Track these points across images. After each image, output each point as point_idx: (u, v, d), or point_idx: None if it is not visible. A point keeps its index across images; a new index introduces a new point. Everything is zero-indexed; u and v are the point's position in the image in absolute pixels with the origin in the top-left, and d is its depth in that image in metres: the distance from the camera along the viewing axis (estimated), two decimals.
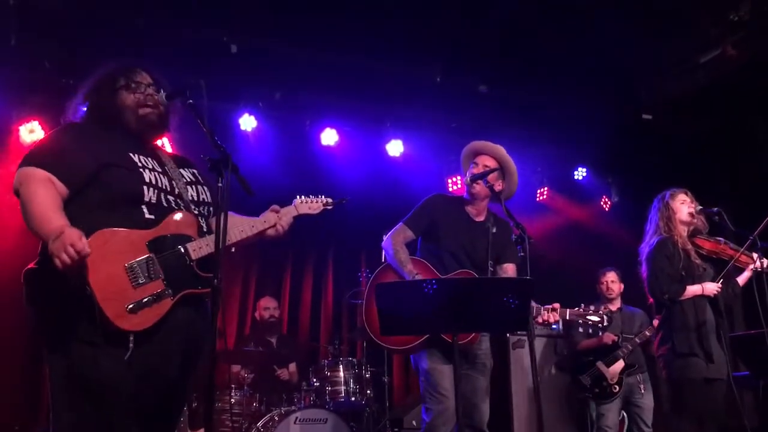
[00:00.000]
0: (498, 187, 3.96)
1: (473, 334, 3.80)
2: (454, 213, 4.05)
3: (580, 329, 3.78)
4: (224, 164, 2.51)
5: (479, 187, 3.98)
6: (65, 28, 5.53)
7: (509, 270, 4.04)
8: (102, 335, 2.35)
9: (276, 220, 2.88)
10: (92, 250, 2.31)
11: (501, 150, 4.09)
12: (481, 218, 4.08)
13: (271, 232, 2.89)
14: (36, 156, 2.52)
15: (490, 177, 3.92)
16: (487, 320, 3.07)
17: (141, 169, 2.61)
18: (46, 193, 2.42)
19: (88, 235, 2.33)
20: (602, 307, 3.83)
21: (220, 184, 2.49)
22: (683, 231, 4.51)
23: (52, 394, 2.40)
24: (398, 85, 6.67)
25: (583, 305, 3.81)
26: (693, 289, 4.37)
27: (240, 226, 2.77)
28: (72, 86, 6.06)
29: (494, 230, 3.95)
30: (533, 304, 3.75)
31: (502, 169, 4.04)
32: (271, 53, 6.18)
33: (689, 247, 4.47)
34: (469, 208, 4.08)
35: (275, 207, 2.92)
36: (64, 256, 2.25)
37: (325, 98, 6.86)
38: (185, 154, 7.11)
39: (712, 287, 4.36)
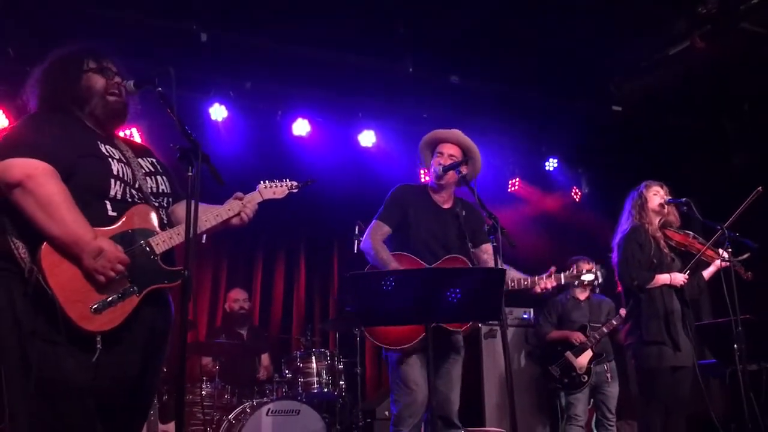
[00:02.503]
0: (464, 171, 3.97)
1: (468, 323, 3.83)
2: (422, 202, 4.05)
3: (576, 291, 3.80)
4: (194, 154, 2.46)
5: (450, 176, 3.98)
6: (30, 15, 5.40)
7: (488, 249, 4.01)
8: (65, 335, 2.26)
9: (240, 207, 2.79)
10: (53, 250, 2.28)
11: (462, 136, 4.10)
12: (449, 205, 4.09)
13: (235, 220, 2.79)
14: (26, 145, 2.37)
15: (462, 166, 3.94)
16: (460, 309, 3.07)
17: (109, 159, 2.54)
18: (65, 194, 2.33)
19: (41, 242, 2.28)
20: (591, 264, 3.86)
21: (190, 174, 2.44)
22: (654, 220, 4.58)
23: (8, 397, 2.27)
24: (370, 76, 6.64)
25: (574, 267, 3.85)
26: (662, 278, 4.43)
27: (204, 216, 2.66)
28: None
29: (464, 214, 3.97)
30: (526, 276, 3.79)
31: (465, 155, 4.06)
32: (242, 42, 6.10)
33: (659, 235, 4.53)
34: (436, 197, 4.09)
35: (239, 194, 2.84)
36: (112, 274, 2.32)
37: (297, 88, 6.81)
38: (153, 143, 7.05)
39: (679, 277, 4.43)
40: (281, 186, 2.98)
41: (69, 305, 2.28)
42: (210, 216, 2.72)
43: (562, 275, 3.81)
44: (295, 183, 3.02)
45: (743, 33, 5.85)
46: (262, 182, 2.95)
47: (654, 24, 6.01)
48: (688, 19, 5.87)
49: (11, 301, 2.29)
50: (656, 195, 4.59)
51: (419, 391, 3.71)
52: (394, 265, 3.78)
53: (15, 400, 2.26)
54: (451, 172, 3.94)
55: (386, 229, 3.95)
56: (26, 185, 2.29)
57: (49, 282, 2.25)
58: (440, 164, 3.98)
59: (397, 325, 3.62)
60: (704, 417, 5.11)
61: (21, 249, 2.30)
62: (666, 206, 4.57)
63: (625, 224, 4.65)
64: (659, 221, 4.59)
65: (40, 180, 2.30)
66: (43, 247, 2.29)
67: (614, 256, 4.61)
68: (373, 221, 3.99)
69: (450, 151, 4.04)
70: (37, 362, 2.24)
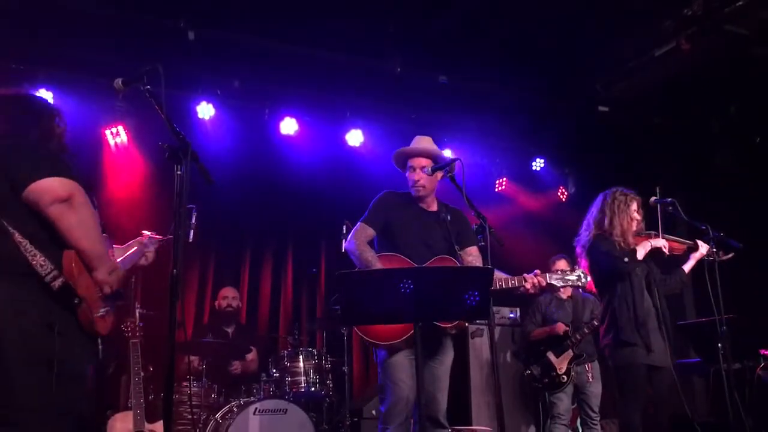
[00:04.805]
0: (439, 175, 4.03)
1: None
2: (407, 208, 4.09)
3: (561, 291, 3.87)
4: (183, 152, 2.47)
5: (427, 188, 4.05)
6: (17, 12, 5.37)
7: (473, 252, 4.05)
8: (84, 336, 2.54)
9: (143, 249, 3.15)
10: (77, 263, 2.51)
11: (428, 145, 4.15)
12: (434, 208, 4.14)
13: (142, 262, 3.16)
14: (65, 166, 2.60)
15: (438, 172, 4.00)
16: (449, 309, 3.08)
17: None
18: (97, 215, 2.63)
19: (62, 252, 2.50)
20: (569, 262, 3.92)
21: (179, 173, 2.45)
22: (628, 238, 4.51)
23: (25, 391, 2.40)
24: (358, 75, 6.65)
25: (559, 269, 3.92)
26: (645, 246, 4.43)
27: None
28: (21, 71, 5.93)
29: (449, 218, 4.01)
30: (511, 276, 3.84)
31: (440, 161, 4.10)
32: (230, 41, 6.09)
33: (631, 241, 4.52)
34: (420, 202, 4.14)
35: (145, 234, 3.18)
36: (116, 288, 2.63)
37: (285, 87, 6.80)
38: (140, 141, 7.00)
39: (660, 241, 4.43)
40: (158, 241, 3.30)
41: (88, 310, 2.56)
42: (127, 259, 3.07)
43: (548, 275, 3.88)
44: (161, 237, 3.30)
45: (728, 35, 5.91)
46: (147, 232, 3.26)
47: (640, 25, 6.06)
48: (674, 20, 5.92)
49: (34, 302, 2.46)
50: (634, 220, 4.54)
51: (404, 389, 3.74)
52: (378, 265, 3.82)
53: (33, 394, 2.40)
54: (428, 184, 4.02)
55: (371, 232, 4.00)
56: (74, 202, 2.52)
57: (76, 287, 2.49)
58: (414, 180, 4.05)
59: (386, 323, 3.64)
60: (685, 417, 5.16)
61: (39, 257, 2.48)
62: (638, 222, 4.56)
63: (590, 229, 4.60)
64: (631, 235, 4.56)
65: (82, 199, 2.56)
66: (71, 256, 2.51)
67: (583, 263, 4.57)
68: (358, 224, 4.04)
69: (421, 163, 4.07)
70: (60, 358, 2.43)
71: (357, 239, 3.94)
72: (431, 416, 3.78)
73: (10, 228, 2.47)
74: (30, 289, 2.45)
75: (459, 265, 3.90)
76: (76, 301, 2.47)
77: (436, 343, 3.89)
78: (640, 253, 4.40)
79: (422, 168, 4.03)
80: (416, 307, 2.97)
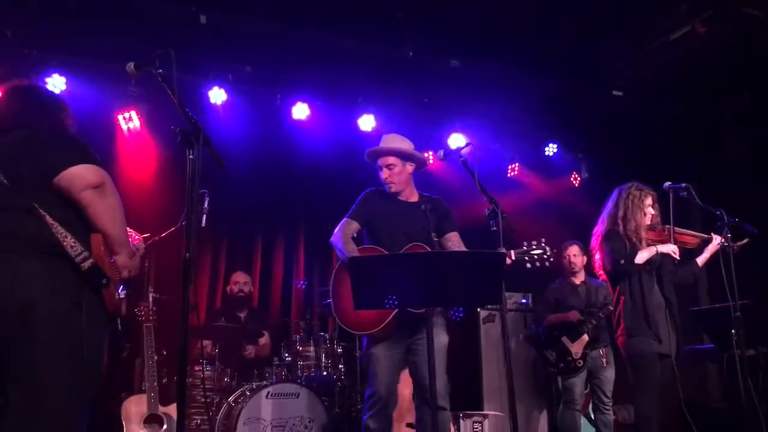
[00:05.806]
0: (410, 168, 4.22)
1: None
2: (388, 202, 4.25)
3: (528, 265, 3.91)
4: (195, 136, 2.47)
5: (402, 182, 4.22)
6: None
7: (453, 238, 4.20)
8: (107, 316, 2.63)
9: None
10: (105, 246, 2.60)
11: (394, 143, 4.27)
12: (414, 199, 4.29)
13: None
14: (95, 154, 2.69)
15: (400, 169, 4.19)
16: (460, 294, 3.08)
17: None
18: (120, 200, 2.72)
19: (90, 235, 2.58)
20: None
21: (191, 157, 2.46)
22: (640, 232, 4.51)
23: (54, 370, 2.44)
24: (370, 60, 6.61)
25: (525, 243, 3.95)
26: (650, 251, 4.42)
27: None
28: (34, 56, 5.95)
29: (429, 207, 4.10)
30: None
31: (406, 156, 4.22)
32: (242, 25, 6.07)
33: (644, 236, 4.51)
34: (400, 195, 4.28)
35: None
36: (133, 273, 2.75)
37: (297, 72, 6.77)
38: (152, 126, 7.01)
39: (669, 246, 4.42)
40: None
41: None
42: None
43: (512, 252, 3.94)
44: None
45: (745, 17, 5.83)
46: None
47: (656, 8, 5.98)
48: (689, 3, 5.84)
49: (65, 282, 2.52)
50: (650, 207, 4.54)
51: (378, 383, 3.91)
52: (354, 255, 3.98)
53: (56, 370, 2.45)
54: (398, 179, 4.19)
55: (355, 225, 4.21)
56: (105, 189, 2.61)
57: (107, 272, 2.58)
58: (384, 178, 4.23)
59: (394, 308, 3.67)
60: (703, 404, 5.15)
61: (69, 238, 2.54)
62: (653, 216, 4.55)
63: (606, 224, 4.61)
64: (644, 230, 4.55)
65: (111, 186, 2.66)
66: (99, 239, 2.60)
67: (598, 254, 4.59)
68: (344, 219, 4.25)
69: (387, 161, 4.23)
70: (85, 338, 2.49)
71: (340, 234, 4.16)
72: (428, 402, 3.84)
73: (41, 210, 2.54)
74: (61, 268, 2.51)
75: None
76: (104, 281, 2.55)
77: (419, 325, 3.94)
78: (640, 258, 4.42)
79: (388, 166, 4.20)
80: (426, 292, 2.97)
